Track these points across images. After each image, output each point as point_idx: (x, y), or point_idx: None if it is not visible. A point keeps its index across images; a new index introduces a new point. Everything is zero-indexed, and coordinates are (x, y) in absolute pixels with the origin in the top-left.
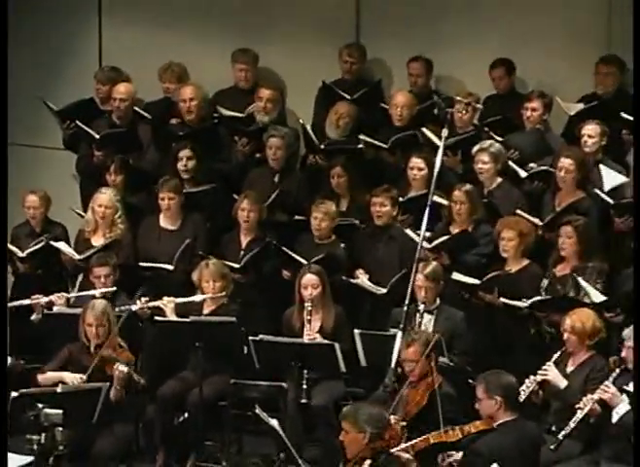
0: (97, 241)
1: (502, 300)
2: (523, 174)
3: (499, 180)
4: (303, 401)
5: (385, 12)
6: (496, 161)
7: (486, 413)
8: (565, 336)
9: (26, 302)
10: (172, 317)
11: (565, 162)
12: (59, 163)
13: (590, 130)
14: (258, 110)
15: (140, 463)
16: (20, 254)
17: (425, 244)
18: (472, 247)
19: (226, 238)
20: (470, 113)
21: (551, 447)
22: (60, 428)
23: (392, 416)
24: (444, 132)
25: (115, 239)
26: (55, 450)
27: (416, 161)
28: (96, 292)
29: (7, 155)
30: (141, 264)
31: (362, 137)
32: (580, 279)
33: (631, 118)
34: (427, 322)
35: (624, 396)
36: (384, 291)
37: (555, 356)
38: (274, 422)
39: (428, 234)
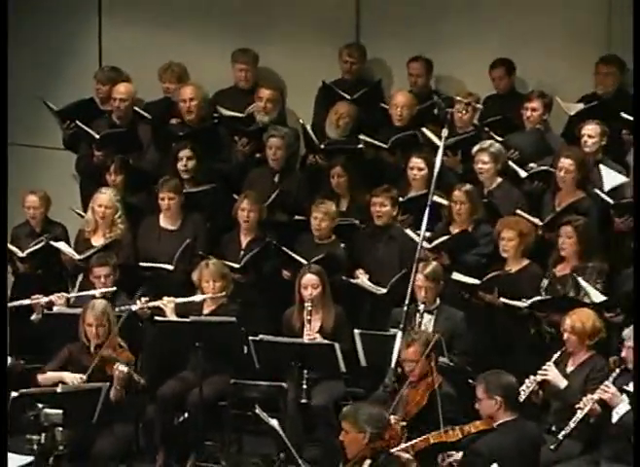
0: (97, 241)
1: (502, 300)
2: (523, 174)
3: (499, 180)
4: (303, 401)
5: (385, 12)
6: (496, 161)
7: (486, 413)
8: (565, 336)
9: (26, 302)
10: (172, 317)
11: (565, 163)
12: (59, 163)
13: (590, 130)
14: (258, 110)
15: (140, 463)
16: (20, 254)
17: (425, 244)
18: (472, 247)
19: (226, 238)
20: (470, 113)
21: (551, 447)
22: (60, 428)
23: (392, 416)
24: (444, 132)
25: (115, 239)
26: (55, 450)
27: (416, 161)
28: (96, 292)
29: (7, 155)
30: (141, 264)
31: (362, 137)
32: (580, 279)
33: (631, 118)
34: (427, 322)
35: (624, 396)
36: (384, 291)
37: (555, 356)
38: (274, 422)
39: (428, 234)
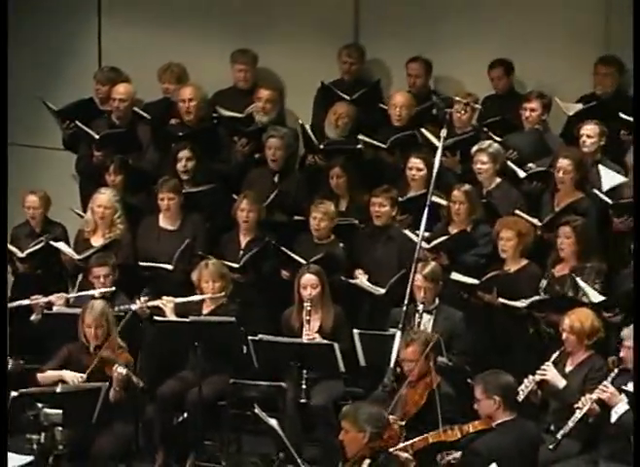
0: (97, 241)
1: (500, 300)
2: (522, 174)
3: (498, 180)
4: (303, 401)
5: (384, 12)
6: (495, 162)
7: (485, 413)
8: (564, 335)
9: (26, 302)
10: (172, 317)
11: (563, 163)
12: (59, 164)
13: (589, 130)
14: (257, 110)
15: (140, 463)
16: (20, 254)
17: (424, 244)
18: (471, 247)
19: (225, 238)
20: (469, 113)
21: (550, 446)
22: (60, 428)
23: (390, 416)
24: (443, 133)
25: (114, 239)
26: (55, 450)
27: (415, 162)
28: (95, 292)
29: (7, 155)
30: (141, 263)
31: (361, 137)
32: (578, 279)
33: (630, 118)
34: (426, 322)
35: (623, 396)
36: (383, 291)
37: (554, 356)
38: (273, 422)
39: (427, 235)
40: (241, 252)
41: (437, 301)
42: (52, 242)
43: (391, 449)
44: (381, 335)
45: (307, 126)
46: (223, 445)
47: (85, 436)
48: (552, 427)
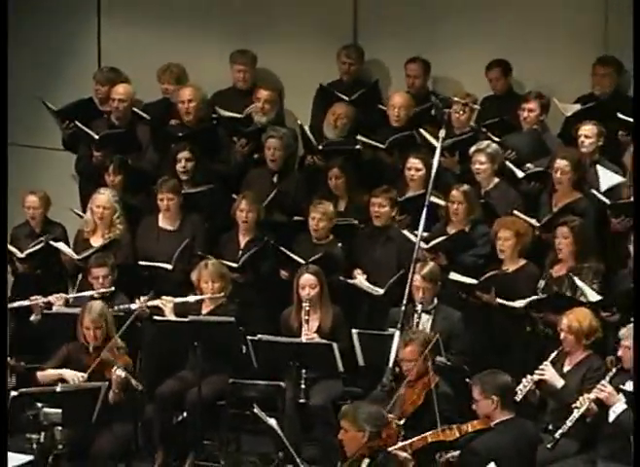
0: (96, 242)
1: (499, 300)
2: (520, 175)
3: (496, 180)
4: (302, 400)
5: (382, 12)
6: (493, 162)
7: (483, 413)
8: (562, 335)
9: (25, 303)
10: (171, 317)
11: (561, 164)
12: (59, 164)
13: (587, 131)
14: (256, 111)
15: (139, 462)
16: (20, 255)
17: (423, 244)
18: (469, 247)
19: (224, 238)
20: (467, 113)
21: (548, 446)
22: (60, 427)
23: (388, 415)
24: (442, 133)
25: (114, 240)
26: (55, 449)
27: (414, 162)
28: (95, 292)
29: (7, 155)
30: (140, 263)
31: (359, 138)
32: (576, 279)
33: (628, 118)
34: (425, 322)
35: (621, 395)
36: (382, 292)
37: (552, 356)
38: (273, 421)
39: (425, 235)
40: (240, 252)
41: (435, 301)
42: (51, 242)
43: (390, 449)
44: (380, 335)
45: (306, 127)
46: (222, 444)
47: (84, 435)
48: (551, 427)
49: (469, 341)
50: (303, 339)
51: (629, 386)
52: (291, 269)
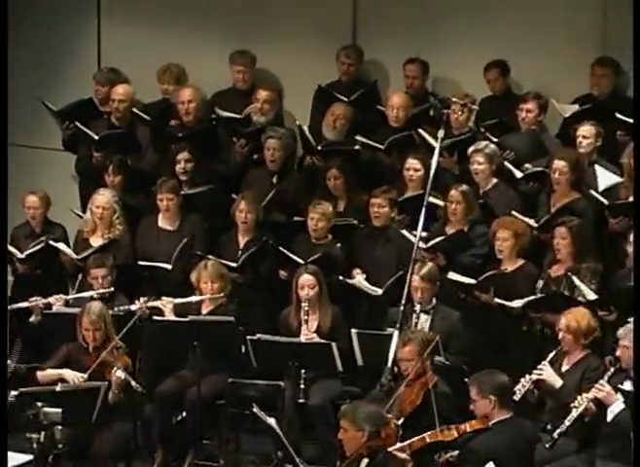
0: (96, 242)
1: (497, 300)
2: (519, 175)
3: (494, 181)
4: (301, 400)
5: (382, 12)
6: (491, 162)
7: (481, 412)
8: (560, 335)
9: (25, 304)
10: (171, 317)
11: (559, 164)
12: (59, 164)
13: (585, 131)
14: (255, 111)
15: (139, 461)
16: (20, 255)
17: (421, 244)
18: (468, 248)
19: (224, 239)
20: (466, 114)
21: (547, 445)
22: (60, 427)
23: (387, 415)
24: (441, 133)
25: (113, 240)
26: (55, 449)
27: (413, 162)
28: (94, 293)
29: (7, 155)
30: (140, 262)
31: (358, 138)
32: (574, 278)
33: (626, 119)
34: (423, 322)
35: (619, 395)
36: (380, 292)
37: (551, 355)
38: (272, 421)
39: (424, 235)
40: (240, 252)
41: (434, 301)
42: (51, 243)
43: (389, 449)
44: (379, 334)
45: (305, 128)
46: (221, 444)
47: (84, 435)
48: (549, 426)
49: (467, 341)
50: (303, 338)
51: (628, 386)
52: (290, 270)
